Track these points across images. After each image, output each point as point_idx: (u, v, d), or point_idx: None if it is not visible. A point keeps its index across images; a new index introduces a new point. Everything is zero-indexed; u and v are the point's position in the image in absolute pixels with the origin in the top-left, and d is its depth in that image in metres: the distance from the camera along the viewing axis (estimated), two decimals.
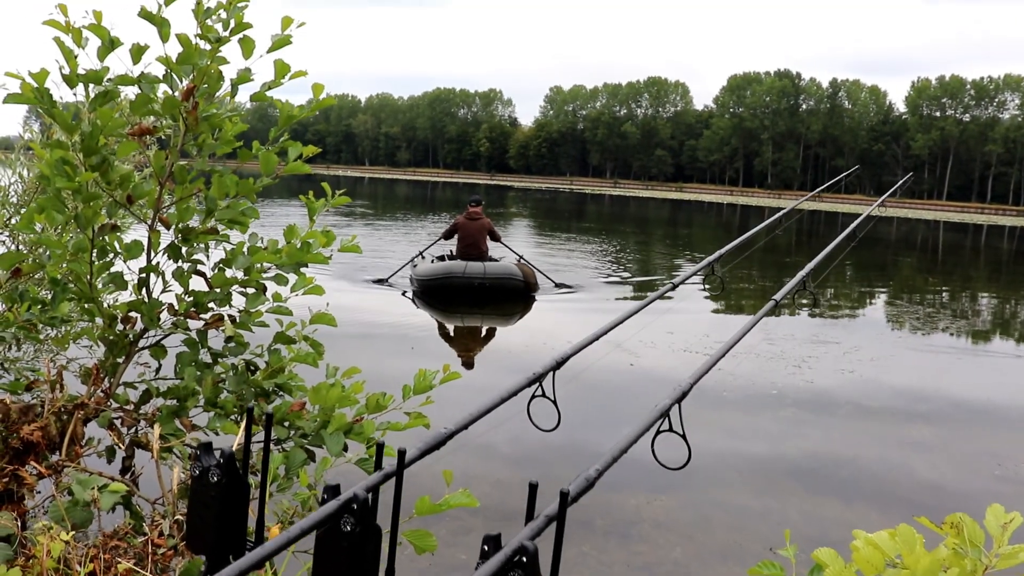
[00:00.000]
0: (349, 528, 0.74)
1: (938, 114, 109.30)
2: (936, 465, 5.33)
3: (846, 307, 12.39)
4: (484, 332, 9.64)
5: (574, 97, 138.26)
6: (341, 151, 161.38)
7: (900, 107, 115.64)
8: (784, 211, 2.79)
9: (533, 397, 1.11)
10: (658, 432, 0.88)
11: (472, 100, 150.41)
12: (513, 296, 10.98)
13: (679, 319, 8.53)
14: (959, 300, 14.98)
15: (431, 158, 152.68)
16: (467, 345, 8.79)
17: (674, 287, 1.62)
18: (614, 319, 1.38)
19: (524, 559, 0.62)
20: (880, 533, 1.61)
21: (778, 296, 1.30)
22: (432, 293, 10.99)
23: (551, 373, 1.11)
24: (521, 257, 12.25)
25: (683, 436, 0.88)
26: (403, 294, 11.36)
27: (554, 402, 1.09)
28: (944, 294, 15.67)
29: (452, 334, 9.45)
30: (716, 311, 10.27)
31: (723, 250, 1.72)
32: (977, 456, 5.59)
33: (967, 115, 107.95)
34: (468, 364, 7.69)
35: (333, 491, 0.77)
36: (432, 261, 11.61)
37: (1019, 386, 7.92)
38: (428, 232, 22.62)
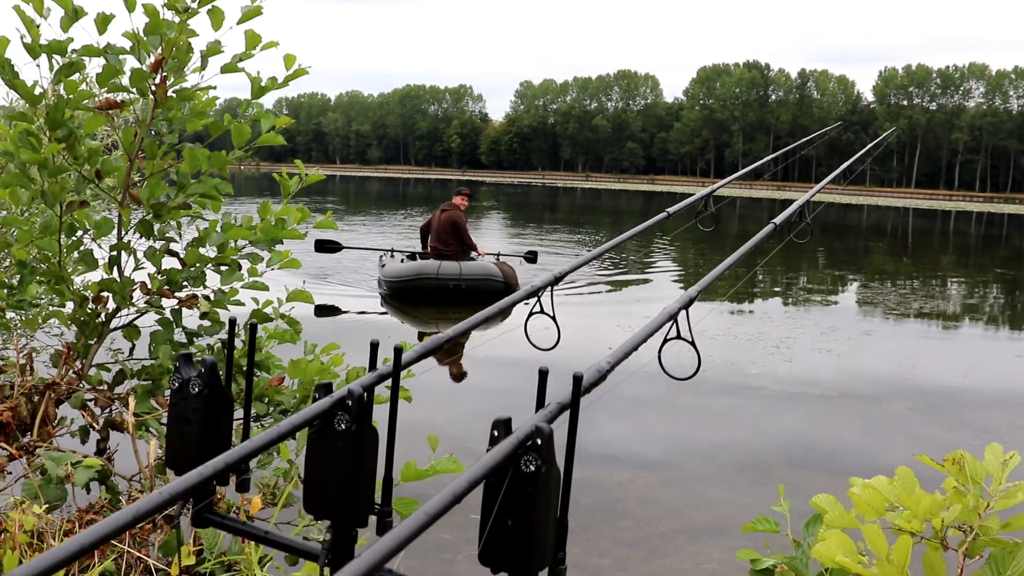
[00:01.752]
0: (344, 427, 0.70)
1: (905, 103, 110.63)
2: (916, 439, 5.37)
3: (820, 291, 12.48)
4: (465, 339, 9.06)
5: (544, 91, 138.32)
6: (311, 150, 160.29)
7: (868, 96, 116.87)
8: (783, 148, 2.77)
9: (531, 314, 1.07)
10: (665, 339, 0.85)
11: (442, 96, 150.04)
12: (493, 299, 10.05)
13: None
14: (930, 283, 15.14)
15: (402, 155, 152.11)
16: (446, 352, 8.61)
17: (668, 216, 1.59)
18: (609, 243, 1.35)
19: (539, 441, 0.59)
20: (878, 477, 1.59)
21: (777, 220, 1.27)
22: (402, 296, 9.92)
23: (549, 288, 1.08)
24: (499, 254, 11.23)
25: (692, 343, 0.85)
26: (380, 303, 10.16)
27: (553, 318, 1.06)
28: (915, 278, 15.82)
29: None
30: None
31: (717, 185, 1.69)
32: (953, 429, 5.64)
33: (934, 104, 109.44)
34: (456, 375, 6.85)
35: (325, 389, 0.73)
36: (402, 260, 10.55)
37: (991, 365, 8.00)
38: (397, 227, 22.51)
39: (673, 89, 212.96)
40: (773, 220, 1.26)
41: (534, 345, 1.09)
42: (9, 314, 3.04)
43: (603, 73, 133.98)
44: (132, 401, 2.39)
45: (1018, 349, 9.25)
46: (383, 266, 10.53)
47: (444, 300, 9.54)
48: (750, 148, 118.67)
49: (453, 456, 2.06)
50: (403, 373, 0.75)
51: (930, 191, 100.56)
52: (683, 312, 0.85)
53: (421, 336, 8.12)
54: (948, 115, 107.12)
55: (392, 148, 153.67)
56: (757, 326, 8.75)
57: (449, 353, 5.91)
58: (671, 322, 0.84)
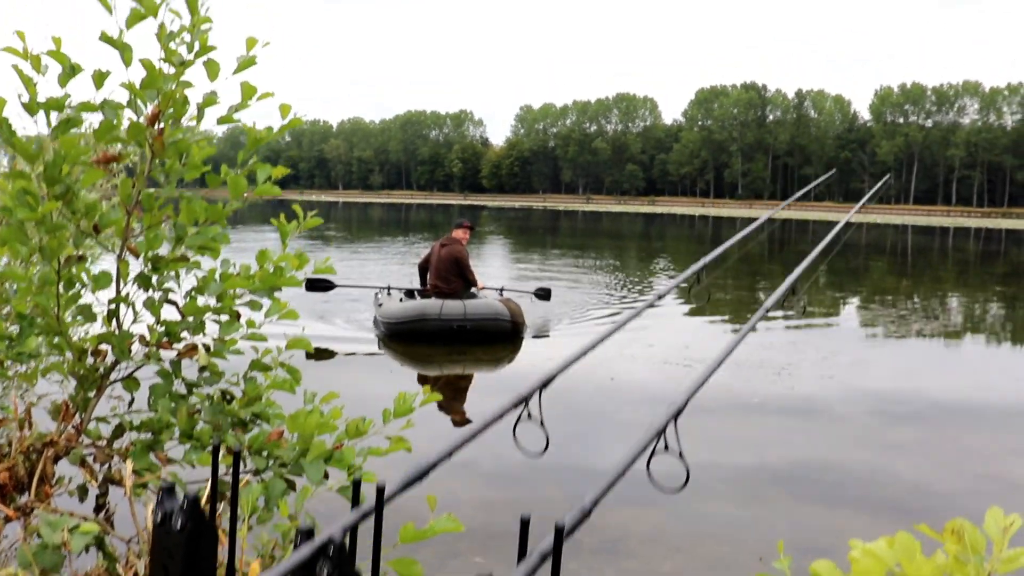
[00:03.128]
0: (326, 574, 0.68)
1: (901, 120, 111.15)
2: (919, 466, 5.33)
3: (821, 313, 12.46)
4: (467, 382, 8.13)
5: (544, 115, 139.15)
6: (314, 176, 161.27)
7: (865, 115, 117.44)
8: (762, 219, 2.76)
9: (519, 420, 1.06)
10: (653, 453, 0.83)
11: (443, 121, 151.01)
12: (499, 339, 9.20)
13: (659, 332, 8.28)
14: (931, 302, 15.12)
15: (404, 180, 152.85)
16: (452, 389, 7.60)
17: (660, 297, 1.58)
18: (598, 335, 1.34)
19: None
20: (878, 542, 1.57)
21: (768, 303, 1.27)
22: (401, 338, 9.17)
23: (537, 393, 1.06)
24: (502, 289, 10.68)
25: (680, 455, 0.84)
26: (377, 344, 9.42)
27: (541, 424, 1.05)
28: (916, 296, 15.80)
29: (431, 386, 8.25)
30: (697, 320, 9.76)
31: (706, 259, 1.69)
32: (959, 455, 5.60)
33: (929, 121, 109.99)
34: (455, 412, 6.58)
35: (307, 535, 0.71)
36: (401, 299, 9.81)
37: (994, 384, 7.97)
38: (399, 255, 22.54)
39: (672, 111, 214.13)
40: (764, 304, 1.26)
41: (524, 450, 1.07)
42: (8, 366, 3.04)
43: (602, 96, 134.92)
44: (130, 464, 2.37)
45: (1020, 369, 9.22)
46: (380, 305, 9.83)
47: (448, 341, 8.98)
48: (749, 168, 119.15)
49: (453, 515, 2.03)
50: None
51: (928, 207, 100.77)
52: (671, 423, 0.84)
53: (421, 379, 7.81)
54: (944, 132, 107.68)
55: (394, 173, 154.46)
56: (759, 353, 8.74)
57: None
58: (659, 435, 0.83)
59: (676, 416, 0.84)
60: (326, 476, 2.69)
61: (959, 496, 4.83)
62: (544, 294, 11.05)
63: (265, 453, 2.72)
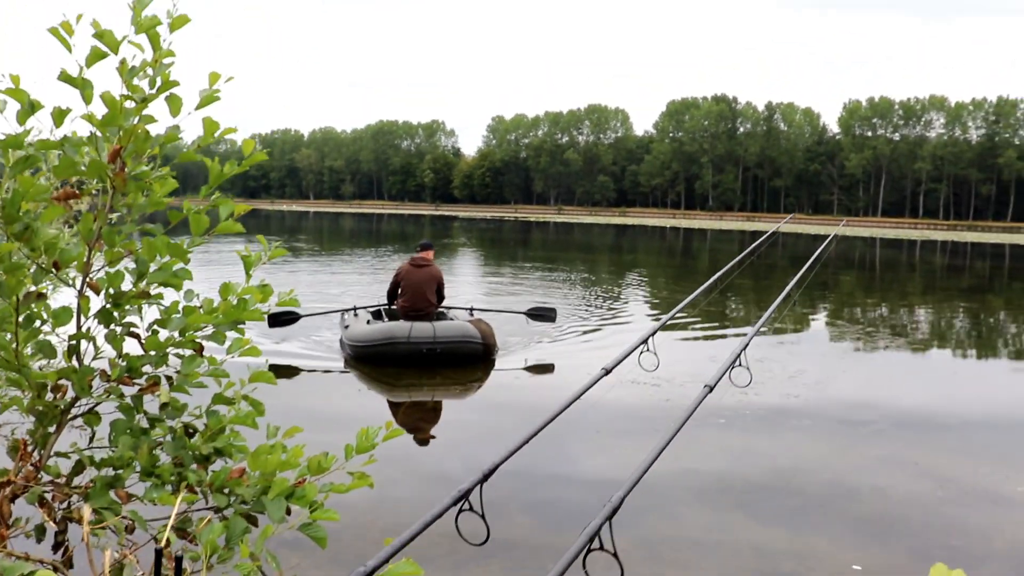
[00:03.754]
0: None
1: (870, 134, 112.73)
2: (884, 481, 5.40)
3: (788, 329, 12.59)
4: (435, 409, 7.80)
5: (516, 126, 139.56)
6: (285, 186, 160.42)
7: (834, 128, 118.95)
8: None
9: (460, 511, 1.07)
10: (589, 551, 0.86)
11: (415, 132, 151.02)
12: (470, 361, 8.95)
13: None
14: (897, 316, 15.34)
15: (376, 190, 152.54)
16: (417, 420, 7.31)
17: (607, 372, 1.60)
18: (543, 420, 1.36)
19: None
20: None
21: (711, 381, 1.29)
22: (369, 361, 8.85)
23: (478, 487, 1.08)
24: (472, 309, 10.41)
25: (615, 555, 0.86)
26: (343, 365, 9.10)
27: (482, 516, 1.06)
28: (883, 311, 16.02)
29: (399, 415, 7.43)
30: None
31: (659, 325, 1.71)
32: (924, 468, 5.69)
33: (897, 134, 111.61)
34: (419, 447, 6.40)
35: None
36: (369, 321, 9.37)
37: (958, 397, 8.11)
38: (368, 268, 22.47)
39: (643, 122, 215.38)
40: (706, 383, 1.28)
41: (466, 540, 1.09)
42: None
43: (574, 107, 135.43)
44: (88, 509, 2.36)
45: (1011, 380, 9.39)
46: (346, 327, 9.47)
47: (417, 365, 8.70)
48: (719, 179, 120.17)
49: (410, 559, 2.04)
50: None
51: (896, 220, 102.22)
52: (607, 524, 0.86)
53: (391, 406, 7.59)
54: (911, 145, 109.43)
55: (366, 183, 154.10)
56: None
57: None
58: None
59: (611, 516, 0.86)
60: (288, 512, 2.69)
61: (925, 509, 4.91)
62: (544, 314, 10.50)
63: (227, 490, 2.72)
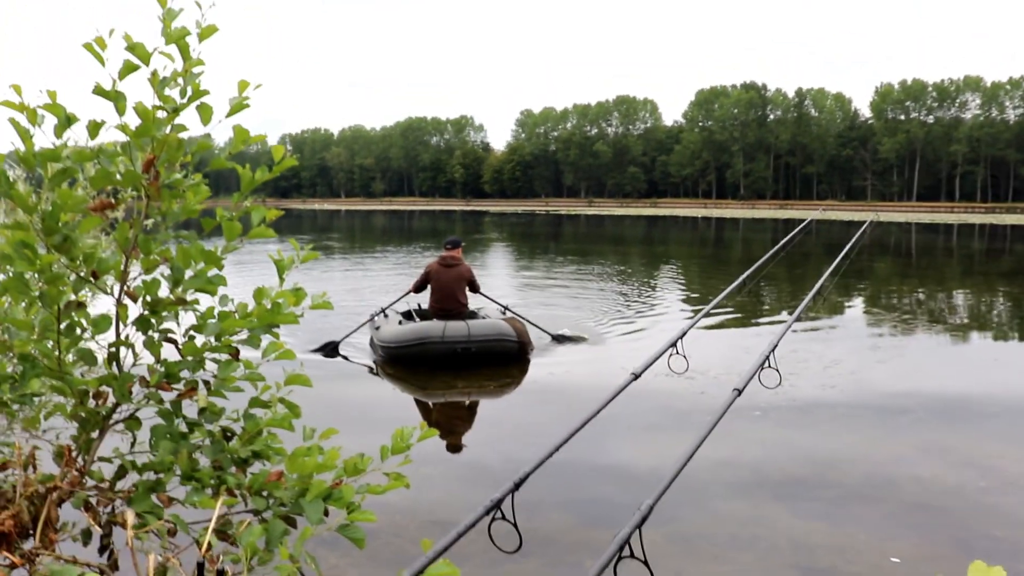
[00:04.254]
0: None
1: (903, 117, 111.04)
2: (922, 474, 5.34)
3: (823, 319, 12.46)
4: (471, 410, 7.54)
5: (545, 119, 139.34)
6: (316, 184, 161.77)
7: (866, 112, 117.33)
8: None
9: (493, 520, 1.09)
10: (620, 558, 0.86)
11: (444, 127, 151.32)
12: (505, 360, 8.75)
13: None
14: (936, 302, 15.12)
15: (406, 187, 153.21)
16: (452, 419, 7.18)
17: (636, 377, 1.61)
18: (573, 426, 1.37)
19: None
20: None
21: (740, 384, 1.29)
22: (402, 362, 8.65)
23: (510, 496, 1.10)
24: (506, 308, 10.11)
25: (645, 563, 0.87)
26: (370, 369, 8.88)
27: (514, 525, 1.08)
28: (920, 297, 15.80)
29: (433, 415, 7.29)
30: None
31: (687, 327, 1.72)
32: (963, 458, 5.62)
33: (931, 117, 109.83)
34: (454, 446, 6.32)
35: None
36: (400, 321, 9.18)
37: (1004, 383, 7.97)
38: (400, 265, 22.58)
39: (672, 112, 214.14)
40: (736, 387, 1.28)
41: (498, 548, 1.10)
42: (15, 409, 3.08)
43: (602, 99, 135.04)
44: (131, 514, 2.41)
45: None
46: (377, 328, 9.33)
47: (451, 365, 8.51)
48: (750, 168, 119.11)
49: (447, 560, 2.07)
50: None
51: (932, 204, 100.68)
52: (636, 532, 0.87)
53: (421, 406, 7.45)
54: (946, 128, 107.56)
55: (396, 180, 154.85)
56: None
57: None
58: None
59: (640, 524, 0.87)
60: (326, 514, 2.72)
61: (966, 499, 4.85)
62: (565, 340, 10.16)
63: (265, 493, 2.76)
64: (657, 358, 1.73)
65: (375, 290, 15.50)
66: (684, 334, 1.83)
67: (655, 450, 5.78)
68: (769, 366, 1.45)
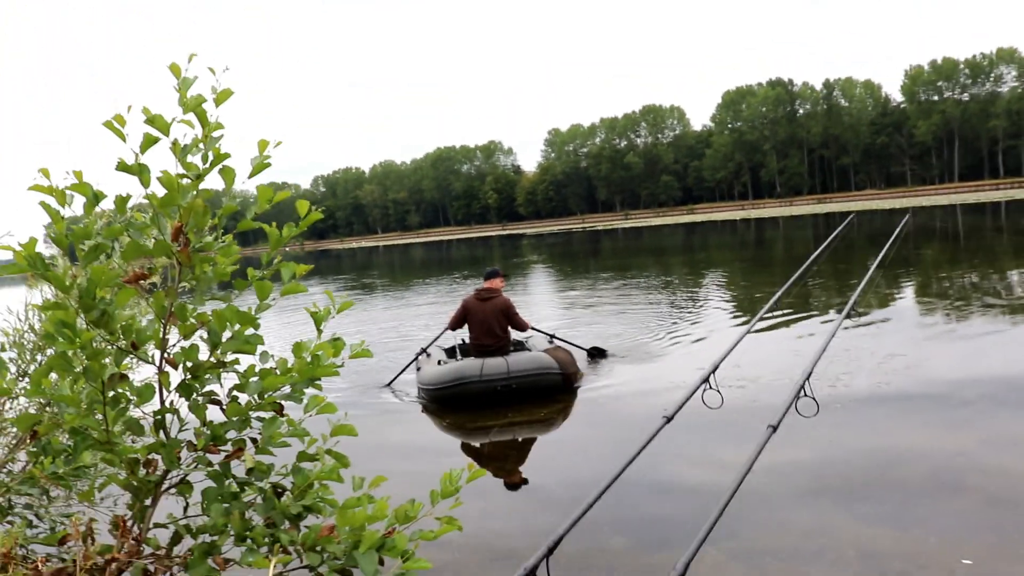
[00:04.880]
0: None
1: (936, 98, 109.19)
2: (989, 469, 5.19)
3: (873, 312, 12.23)
4: (520, 447, 7.21)
5: (573, 136, 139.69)
6: (352, 223, 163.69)
7: (897, 97, 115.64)
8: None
9: None
10: None
11: (473, 154, 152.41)
12: (549, 394, 8.35)
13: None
14: (989, 285, 14.75)
15: (441, 217, 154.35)
16: (503, 451, 7.01)
17: (668, 420, 1.58)
18: (605, 483, 1.34)
19: None
20: None
21: (775, 422, 1.26)
22: (443, 404, 8.36)
23: (544, 561, 1.07)
24: (553, 336, 9.81)
25: None
26: (420, 408, 8.65)
27: None
28: (972, 280, 15.44)
29: (483, 450, 7.14)
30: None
31: (719, 360, 1.68)
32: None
33: (965, 94, 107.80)
34: (507, 479, 6.18)
35: None
36: (440, 362, 8.87)
37: None
38: (444, 295, 22.68)
39: (700, 117, 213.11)
40: (770, 424, 1.25)
41: None
42: (71, 482, 3.12)
43: (628, 111, 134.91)
44: None
45: None
46: (418, 369, 9.10)
47: (494, 403, 8.15)
48: (785, 165, 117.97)
49: None
50: None
51: (975, 183, 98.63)
52: None
53: (465, 447, 7.16)
54: (982, 104, 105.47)
55: (430, 211, 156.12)
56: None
57: None
58: None
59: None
60: (381, 563, 2.72)
61: None
62: (599, 353, 10.22)
63: (319, 548, 2.76)
64: (690, 396, 1.69)
65: (419, 326, 15.54)
66: (716, 368, 1.80)
67: (688, 502, 5.60)
68: (805, 395, 1.41)
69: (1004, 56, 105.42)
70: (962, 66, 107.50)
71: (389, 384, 9.62)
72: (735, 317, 13.44)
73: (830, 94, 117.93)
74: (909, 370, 8.09)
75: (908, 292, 14.52)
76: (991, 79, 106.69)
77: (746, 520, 4.65)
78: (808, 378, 1.30)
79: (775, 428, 1.05)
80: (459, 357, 9.31)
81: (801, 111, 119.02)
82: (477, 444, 7.33)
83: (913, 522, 4.51)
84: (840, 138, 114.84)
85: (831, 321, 11.83)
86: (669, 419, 1.74)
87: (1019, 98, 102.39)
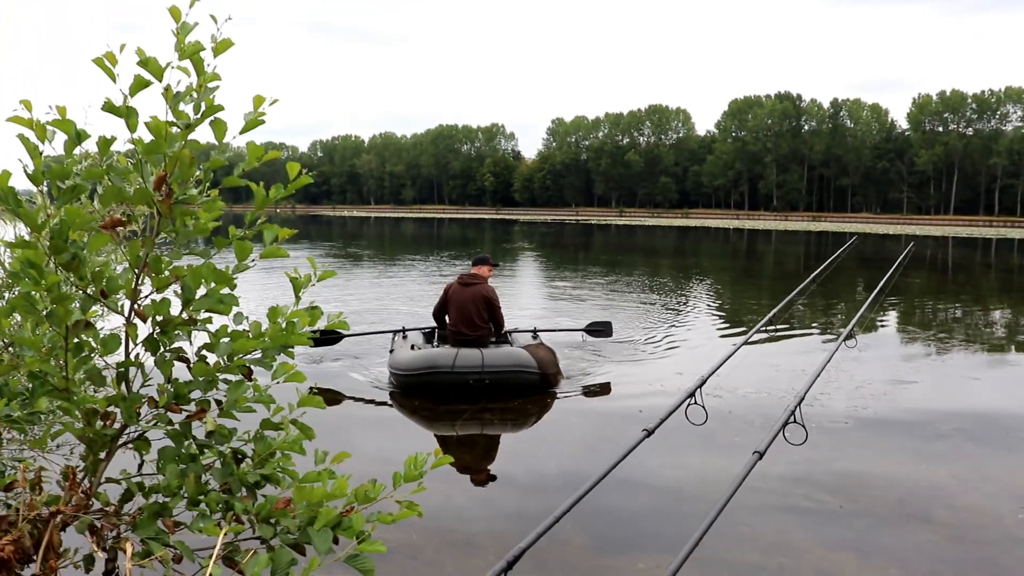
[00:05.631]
0: None
1: (941, 129, 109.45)
2: (958, 503, 5.17)
3: (855, 334, 12.22)
4: (493, 427, 7.17)
5: (576, 128, 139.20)
6: (346, 191, 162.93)
7: (902, 124, 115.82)
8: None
9: None
10: None
11: (475, 135, 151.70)
12: (525, 392, 7.97)
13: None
14: (973, 319, 14.78)
15: (436, 194, 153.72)
16: (471, 440, 6.85)
17: (648, 433, 1.51)
18: (576, 495, 1.27)
19: None
20: None
21: (761, 448, 1.19)
22: (412, 392, 7.98)
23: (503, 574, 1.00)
24: (536, 331, 9.47)
25: None
26: (388, 396, 8.15)
27: None
28: (956, 313, 15.47)
29: (452, 436, 6.94)
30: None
31: (706, 375, 1.61)
32: (1001, 487, 5.42)
33: (970, 129, 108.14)
34: (475, 465, 6.06)
35: None
36: (414, 346, 8.50)
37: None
38: (429, 275, 22.56)
39: (705, 122, 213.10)
40: (756, 450, 1.18)
41: None
42: (25, 429, 3.03)
43: (634, 108, 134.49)
44: (131, 544, 2.34)
45: None
46: (391, 351, 8.64)
47: (464, 397, 7.78)
48: (784, 179, 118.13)
49: None
50: None
51: (970, 217, 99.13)
52: None
53: (440, 441, 6.78)
54: (985, 140, 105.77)
55: (426, 188, 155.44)
56: (791, 386, 8.60)
57: None
58: None
59: None
60: (336, 542, 2.64)
61: (1005, 531, 4.68)
62: (601, 329, 9.84)
63: (273, 520, 2.68)
64: (672, 412, 1.63)
65: (400, 305, 15.42)
66: (703, 383, 1.73)
67: (661, 519, 5.54)
68: (795, 421, 1.34)
69: (1012, 95, 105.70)
70: (970, 100, 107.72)
71: (343, 336, 9.37)
72: (722, 327, 13.41)
73: (836, 113, 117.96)
74: (887, 396, 8.08)
75: (892, 319, 14.53)
76: (996, 116, 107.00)
77: (711, 532, 4.60)
78: (800, 404, 1.24)
79: (761, 454, 1.00)
80: (435, 344, 8.91)
81: (806, 127, 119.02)
82: (447, 429, 7.19)
83: (877, 550, 4.48)
84: (842, 159, 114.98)
85: (824, 342, 11.83)
86: (649, 433, 1.68)
87: (1022, 138, 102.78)
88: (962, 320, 14.72)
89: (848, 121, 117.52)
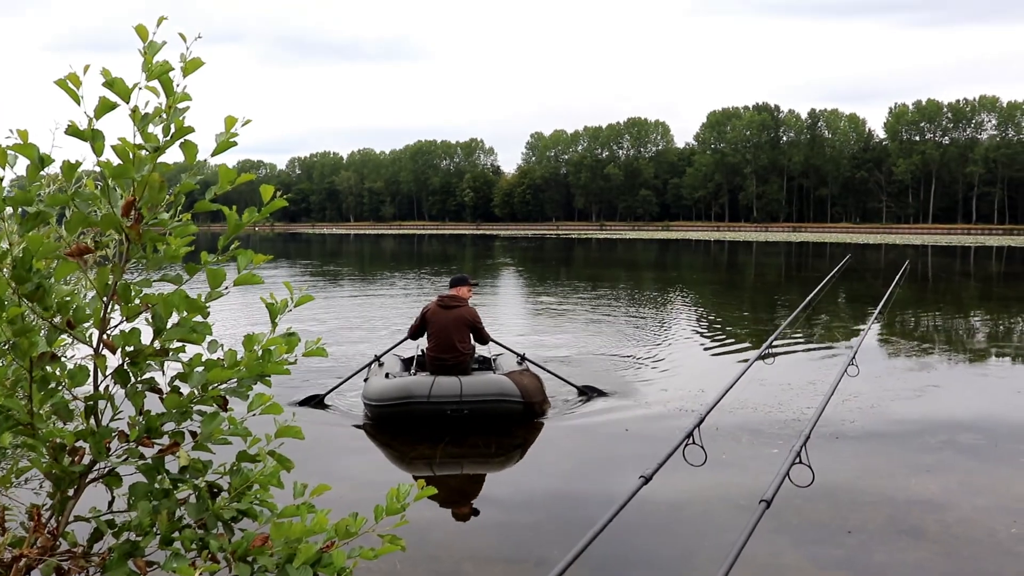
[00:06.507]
0: None
1: (917, 138, 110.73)
2: (948, 519, 5.11)
3: (838, 348, 12.22)
4: (468, 479, 6.47)
5: (555, 142, 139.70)
6: (325, 208, 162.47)
7: (880, 133, 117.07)
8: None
9: None
10: None
11: (454, 151, 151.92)
12: (506, 423, 7.42)
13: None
14: (954, 328, 14.83)
15: (416, 210, 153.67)
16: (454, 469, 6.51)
17: (646, 480, 1.43)
18: (572, 554, 1.19)
19: None
20: None
21: (767, 495, 1.11)
22: (386, 423, 7.42)
23: None
24: (523, 357, 8.73)
25: None
26: (361, 425, 7.64)
27: None
28: (937, 322, 15.52)
29: (434, 464, 6.62)
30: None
31: (701, 418, 1.54)
32: (993, 500, 5.37)
33: (946, 138, 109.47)
34: (458, 495, 5.75)
35: None
36: (388, 374, 7.88)
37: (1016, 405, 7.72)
38: (409, 293, 22.42)
39: (684, 134, 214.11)
40: (763, 498, 1.10)
41: None
42: None
43: (613, 121, 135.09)
44: None
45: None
46: (365, 380, 8.02)
47: (442, 429, 7.24)
48: (763, 190, 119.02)
49: None
50: None
51: (948, 226, 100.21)
52: None
53: (423, 467, 6.49)
54: (961, 148, 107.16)
55: (406, 204, 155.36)
56: (777, 395, 8.54)
57: None
58: None
59: None
60: None
61: (999, 546, 4.62)
62: (595, 393, 8.64)
63: (250, 558, 2.57)
64: (670, 455, 1.54)
65: (383, 320, 15.27)
66: (700, 423, 1.65)
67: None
68: (800, 462, 1.26)
69: (986, 104, 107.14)
70: (945, 109, 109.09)
71: (325, 395, 8.34)
72: (706, 344, 13.33)
73: (815, 124, 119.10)
74: (875, 410, 8.03)
75: (874, 328, 14.54)
76: (972, 125, 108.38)
77: (699, 547, 4.53)
78: (805, 443, 1.17)
79: (768, 503, 0.92)
80: (413, 371, 8.25)
81: (785, 138, 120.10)
82: (429, 453, 6.85)
83: (869, 568, 4.41)
84: (821, 169, 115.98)
85: (824, 366, 11.79)
86: (647, 479, 1.60)
87: (997, 147, 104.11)
88: (943, 329, 14.77)
89: (826, 131, 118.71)
